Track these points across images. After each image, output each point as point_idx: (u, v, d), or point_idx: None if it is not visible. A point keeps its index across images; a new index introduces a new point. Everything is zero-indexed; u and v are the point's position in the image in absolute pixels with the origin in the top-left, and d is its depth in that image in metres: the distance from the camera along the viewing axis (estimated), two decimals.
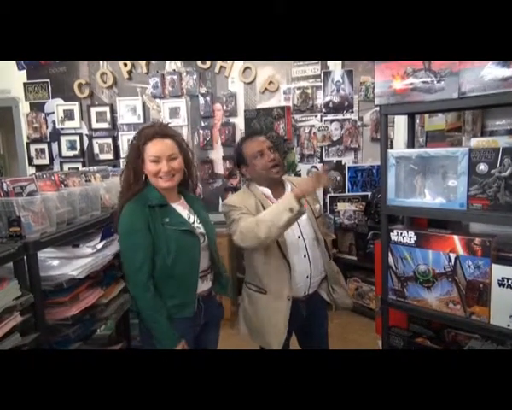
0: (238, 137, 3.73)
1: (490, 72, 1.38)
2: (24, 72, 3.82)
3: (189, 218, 1.61)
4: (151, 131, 1.53)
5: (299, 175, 3.66)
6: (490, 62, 1.37)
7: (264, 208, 1.69)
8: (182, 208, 1.62)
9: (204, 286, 1.64)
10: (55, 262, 1.49)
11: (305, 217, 1.77)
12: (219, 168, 3.81)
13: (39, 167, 3.92)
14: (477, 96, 1.42)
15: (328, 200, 3.69)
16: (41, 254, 1.41)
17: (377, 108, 3.00)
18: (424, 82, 1.54)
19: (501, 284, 1.44)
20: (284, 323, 1.70)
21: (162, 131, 1.54)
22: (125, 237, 1.50)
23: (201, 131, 3.77)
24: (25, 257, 1.30)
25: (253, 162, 1.76)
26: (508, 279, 1.42)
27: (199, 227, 1.61)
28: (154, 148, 1.50)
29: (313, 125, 3.66)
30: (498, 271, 1.44)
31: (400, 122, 3.07)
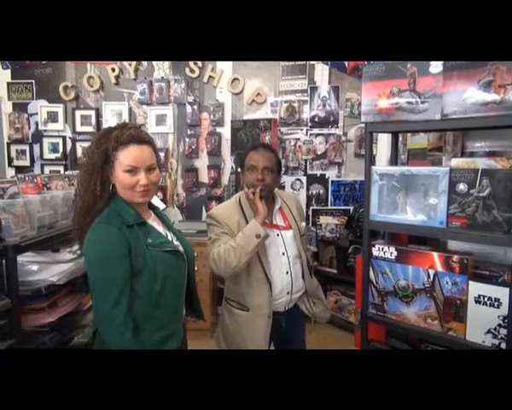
0: (224, 146, 3.75)
1: (471, 95, 1.43)
2: (8, 71, 3.76)
3: (166, 236, 1.40)
4: (126, 134, 1.25)
5: (283, 187, 3.69)
6: (472, 86, 1.42)
7: None
8: (157, 225, 1.40)
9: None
10: (35, 267, 1.46)
11: (290, 234, 1.81)
12: (204, 177, 3.81)
13: (19, 169, 3.84)
14: (458, 118, 1.47)
15: (310, 213, 3.73)
16: (20, 258, 1.38)
17: (361, 125, 3.06)
18: (409, 102, 1.59)
19: (477, 301, 1.48)
20: (265, 340, 1.73)
21: (139, 136, 1.28)
22: (99, 266, 1.21)
23: (187, 140, 3.76)
24: (3, 261, 1.27)
25: (246, 173, 1.78)
26: (484, 297, 1.46)
27: (178, 245, 1.42)
28: (131, 156, 1.25)
29: (298, 139, 3.71)
30: (475, 288, 1.48)
31: (383, 139, 3.14)
